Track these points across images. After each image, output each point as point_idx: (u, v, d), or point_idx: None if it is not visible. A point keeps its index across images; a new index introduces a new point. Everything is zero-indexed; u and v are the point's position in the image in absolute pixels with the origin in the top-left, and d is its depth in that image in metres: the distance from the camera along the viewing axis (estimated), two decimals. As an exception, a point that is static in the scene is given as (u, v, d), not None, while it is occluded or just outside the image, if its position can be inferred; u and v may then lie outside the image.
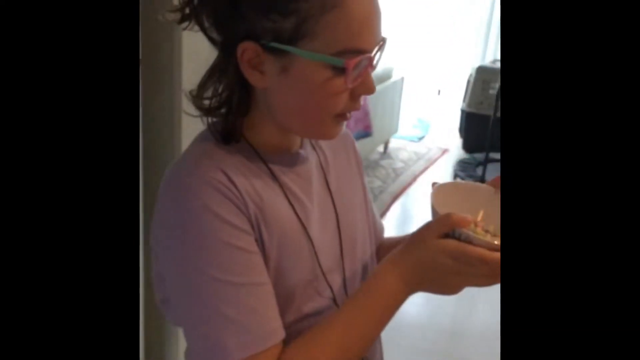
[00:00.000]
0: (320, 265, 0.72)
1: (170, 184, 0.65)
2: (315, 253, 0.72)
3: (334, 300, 0.73)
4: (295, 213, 0.70)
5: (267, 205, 0.66)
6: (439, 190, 0.71)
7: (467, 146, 4.32)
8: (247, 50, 0.63)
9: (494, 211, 0.69)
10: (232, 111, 0.68)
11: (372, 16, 0.63)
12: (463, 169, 3.53)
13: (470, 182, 0.75)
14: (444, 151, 4.60)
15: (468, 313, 2.66)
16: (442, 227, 0.63)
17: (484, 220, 0.71)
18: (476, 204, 0.72)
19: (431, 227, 0.64)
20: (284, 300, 0.67)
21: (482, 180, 3.25)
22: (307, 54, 0.62)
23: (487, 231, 0.70)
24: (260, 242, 0.65)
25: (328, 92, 0.64)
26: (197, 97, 0.68)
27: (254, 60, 0.64)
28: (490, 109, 3.33)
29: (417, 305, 2.58)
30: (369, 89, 0.67)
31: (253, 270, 0.63)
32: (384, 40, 0.67)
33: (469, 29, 4.76)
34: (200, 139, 0.71)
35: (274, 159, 0.71)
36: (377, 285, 0.65)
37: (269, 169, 0.70)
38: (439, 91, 6.00)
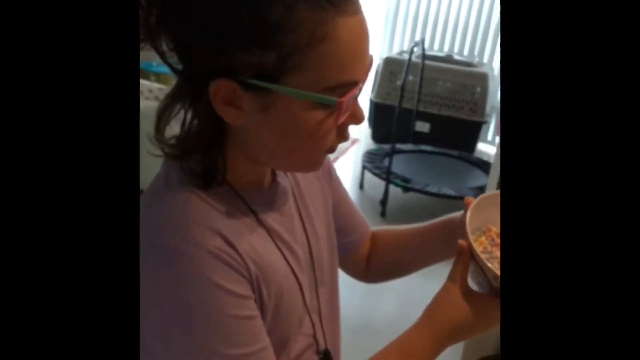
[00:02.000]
0: (306, 305, 0.69)
1: (160, 251, 0.56)
2: (303, 295, 0.68)
3: (314, 336, 0.71)
4: (286, 259, 0.66)
5: (264, 261, 0.62)
6: (472, 211, 0.70)
7: (376, 136, 4.35)
8: (221, 87, 0.55)
9: None
10: (209, 150, 0.60)
11: (364, 43, 0.58)
12: (370, 160, 3.54)
13: (498, 192, 0.74)
14: (354, 141, 4.60)
15: (375, 306, 2.67)
16: (463, 271, 0.67)
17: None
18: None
19: (455, 280, 0.67)
20: (277, 349, 0.64)
21: (388, 171, 3.27)
22: (292, 91, 0.55)
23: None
24: (259, 302, 0.62)
25: (317, 132, 0.58)
26: (159, 138, 0.59)
27: (229, 97, 0.56)
28: (397, 100, 3.35)
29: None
30: (359, 119, 0.61)
31: (258, 336, 0.61)
32: (371, 57, 0.61)
33: (377, 20, 4.79)
34: (174, 181, 0.61)
35: (254, 197, 0.64)
36: (411, 345, 0.67)
37: (255, 214, 0.64)
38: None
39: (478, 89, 3.90)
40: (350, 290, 2.74)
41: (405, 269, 0.90)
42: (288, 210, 0.70)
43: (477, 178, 3.47)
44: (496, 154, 1.63)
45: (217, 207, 0.60)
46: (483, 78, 3.90)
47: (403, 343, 0.68)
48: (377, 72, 4.22)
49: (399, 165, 3.43)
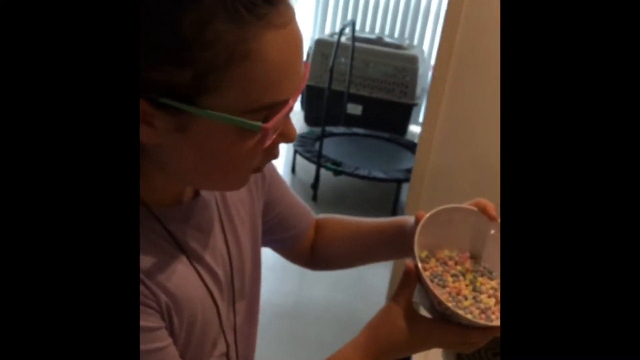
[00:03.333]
0: (222, 326, 0.66)
1: None
2: (220, 318, 0.65)
3: (227, 355, 0.68)
4: (204, 283, 0.62)
5: (179, 289, 0.58)
6: (422, 228, 0.67)
7: (309, 119, 4.32)
8: None
9: (481, 237, 0.71)
10: None
11: (294, 58, 0.51)
12: (302, 143, 3.50)
13: (452, 207, 0.71)
14: (287, 125, 4.56)
15: (305, 291, 2.65)
16: (408, 293, 0.65)
17: (472, 246, 0.72)
18: (462, 230, 0.71)
19: (399, 302, 0.65)
20: None
21: (319, 154, 3.25)
22: (209, 114, 0.49)
23: (456, 267, 0.71)
24: (170, 330, 0.60)
25: (239, 156, 0.53)
26: None
27: (141, 114, 0.49)
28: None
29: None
30: (290, 138, 0.56)
31: None
32: (307, 65, 0.55)
33: (308, 1, 4.73)
34: None
35: (172, 215, 0.60)
36: None
37: (172, 236, 0.59)
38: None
39: (408, 72, 3.92)
40: (280, 276, 2.73)
41: (353, 262, 0.89)
42: (209, 224, 0.66)
43: (408, 160, 3.49)
44: (421, 134, 1.59)
45: None
46: (413, 60, 3.92)
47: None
48: (308, 54, 4.18)
49: (330, 148, 3.41)
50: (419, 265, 0.64)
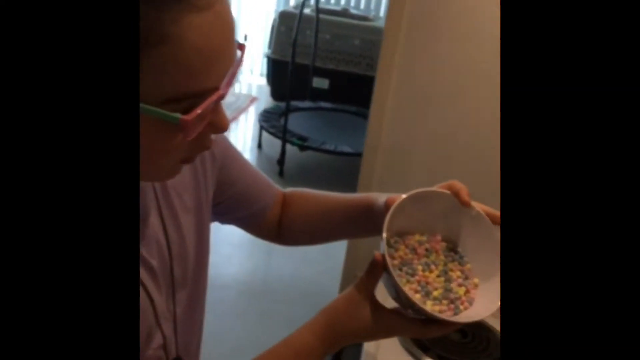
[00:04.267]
0: (157, 318, 0.62)
1: None
2: (155, 310, 0.61)
3: (164, 347, 0.65)
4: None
5: None
6: (392, 215, 0.64)
7: (275, 94, 4.26)
8: None
9: (455, 221, 0.68)
10: None
11: (221, 42, 0.47)
12: (267, 119, 3.45)
13: (424, 191, 0.67)
14: (253, 100, 4.50)
15: (270, 268, 2.64)
16: (372, 283, 0.63)
17: (446, 232, 0.69)
18: (435, 214, 0.69)
19: (362, 291, 0.63)
20: None
21: (284, 130, 3.21)
22: None
23: (427, 255, 0.68)
24: None
25: (162, 148, 0.49)
26: None
27: None
28: (296, 56, 3.26)
29: (217, 267, 2.49)
30: (222, 128, 0.51)
31: None
32: (243, 47, 0.50)
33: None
34: None
35: None
36: (304, 351, 0.65)
37: None
38: (246, 36, 5.84)
39: (375, 44, 3.88)
40: (247, 254, 2.71)
41: (321, 238, 0.87)
42: (144, 210, 0.63)
43: (375, 134, 3.48)
44: (371, 109, 1.56)
45: None
46: (380, 33, 3.87)
47: (297, 348, 0.65)
48: (272, 27, 4.10)
49: (296, 123, 3.37)
50: (387, 256, 0.62)
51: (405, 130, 1.23)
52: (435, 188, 0.67)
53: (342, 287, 1.38)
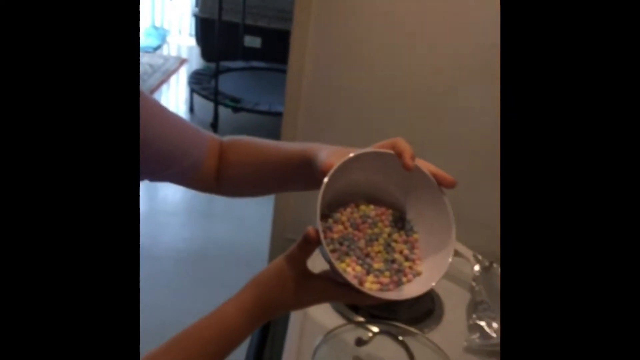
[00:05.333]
0: None
1: None
2: None
3: None
4: None
5: None
6: (328, 184, 0.58)
7: (206, 55, 4.11)
8: None
9: (402, 185, 0.64)
10: None
11: None
12: (198, 81, 3.33)
13: (364, 153, 0.61)
14: (183, 61, 4.33)
15: (209, 234, 2.58)
16: (304, 257, 0.61)
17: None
18: (379, 178, 0.63)
19: (293, 265, 0.61)
20: None
21: (215, 91, 3.10)
22: None
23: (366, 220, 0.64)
24: None
25: None
26: None
27: None
28: (223, 14, 3.13)
29: (153, 237, 2.41)
30: None
31: None
32: None
33: None
34: None
35: None
36: (230, 326, 0.62)
37: None
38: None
39: None
40: (183, 221, 2.63)
41: (261, 190, 0.84)
42: None
43: (310, 93, 3.42)
44: (289, 64, 1.49)
45: None
46: (311, -12, 3.77)
47: (222, 324, 0.62)
48: (199, -16, 3.93)
49: (228, 84, 3.26)
50: (321, 232, 0.57)
51: (326, 86, 1.18)
52: (377, 149, 0.62)
53: (271, 252, 1.34)
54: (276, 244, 1.32)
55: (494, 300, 1.03)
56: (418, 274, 0.62)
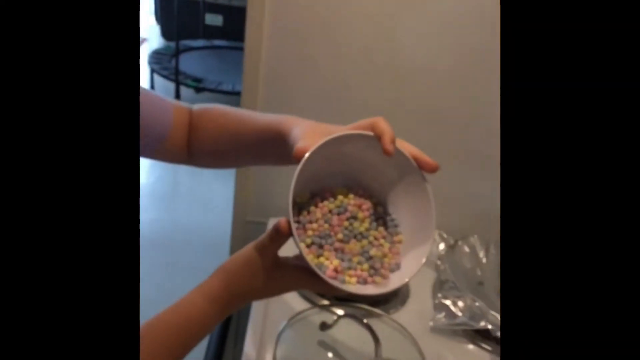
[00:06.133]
0: None
1: None
2: None
3: None
4: None
5: None
6: (301, 171, 0.54)
7: (166, 33, 4.01)
8: None
9: (383, 170, 0.60)
10: None
11: None
12: (158, 60, 3.24)
13: (342, 135, 0.56)
14: (142, 40, 4.23)
15: (173, 217, 2.53)
16: (275, 248, 0.59)
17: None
18: (359, 165, 0.60)
19: (263, 255, 0.59)
20: None
21: (176, 71, 3.03)
22: None
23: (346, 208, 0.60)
24: None
25: None
26: None
27: None
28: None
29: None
30: None
31: None
32: None
33: None
34: None
35: None
36: (197, 316, 0.60)
37: None
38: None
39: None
40: (147, 205, 2.58)
41: (234, 162, 0.83)
42: None
43: (274, 71, 3.37)
44: (246, 40, 1.46)
45: None
46: (272, -36, 3.70)
47: (188, 314, 0.60)
48: (157, -40, 3.82)
49: (190, 64, 3.19)
50: (293, 226, 0.54)
51: (285, 62, 1.15)
52: (355, 130, 0.57)
53: (233, 235, 1.31)
54: (238, 227, 1.29)
55: (459, 278, 1.02)
56: (397, 267, 0.59)
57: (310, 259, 0.55)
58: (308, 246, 0.57)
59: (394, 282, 0.58)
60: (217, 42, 3.63)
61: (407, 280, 0.57)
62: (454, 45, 1.09)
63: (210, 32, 3.77)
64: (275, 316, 0.91)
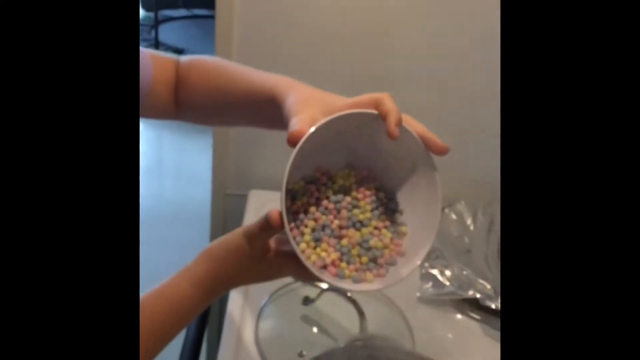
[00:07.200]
0: None
1: None
2: None
3: None
4: None
5: None
6: (297, 155, 0.50)
7: (145, 3, 3.92)
8: None
9: (387, 153, 0.55)
10: None
11: None
12: (137, 31, 3.18)
13: (342, 115, 0.51)
14: (122, 12, 4.14)
15: (158, 192, 2.50)
16: (265, 238, 0.56)
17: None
18: (361, 147, 0.56)
19: (253, 245, 0.56)
20: None
21: (156, 43, 2.97)
22: None
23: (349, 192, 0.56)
24: None
25: None
26: None
27: None
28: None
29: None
30: None
31: None
32: None
33: None
34: None
35: None
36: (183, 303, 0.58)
37: None
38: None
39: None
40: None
41: (224, 121, 0.80)
42: None
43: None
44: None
45: None
46: None
47: (172, 299, 0.58)
48: None
49: (170, 34, 3.13)
50: (285, 219, 0.50)
51: (259, 26, 1.10)
52: (357, 110, 0.52)
53: (213, 207, 1.27)
54: (217, 201, 1.26)
55: (446, 247, 0.99)
56: (396, 261, 0.56)
57: (304, 257, 0.52)
58: (302, 235, 0.54)
59: (390, 278, 0.55)
60: (197, 12, 3.55)
61: (404, 277, 0.54)
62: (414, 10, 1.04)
63: (191, 1, 3.68)
64: (256, 291, 0.88)
